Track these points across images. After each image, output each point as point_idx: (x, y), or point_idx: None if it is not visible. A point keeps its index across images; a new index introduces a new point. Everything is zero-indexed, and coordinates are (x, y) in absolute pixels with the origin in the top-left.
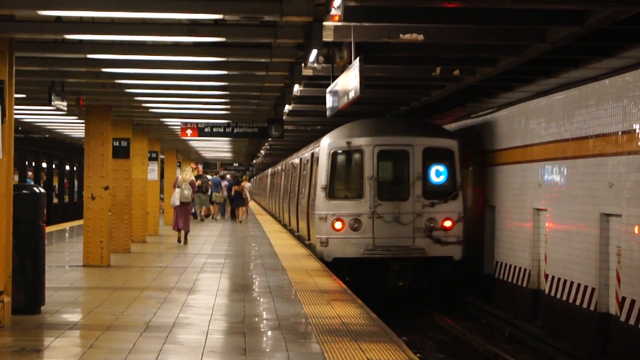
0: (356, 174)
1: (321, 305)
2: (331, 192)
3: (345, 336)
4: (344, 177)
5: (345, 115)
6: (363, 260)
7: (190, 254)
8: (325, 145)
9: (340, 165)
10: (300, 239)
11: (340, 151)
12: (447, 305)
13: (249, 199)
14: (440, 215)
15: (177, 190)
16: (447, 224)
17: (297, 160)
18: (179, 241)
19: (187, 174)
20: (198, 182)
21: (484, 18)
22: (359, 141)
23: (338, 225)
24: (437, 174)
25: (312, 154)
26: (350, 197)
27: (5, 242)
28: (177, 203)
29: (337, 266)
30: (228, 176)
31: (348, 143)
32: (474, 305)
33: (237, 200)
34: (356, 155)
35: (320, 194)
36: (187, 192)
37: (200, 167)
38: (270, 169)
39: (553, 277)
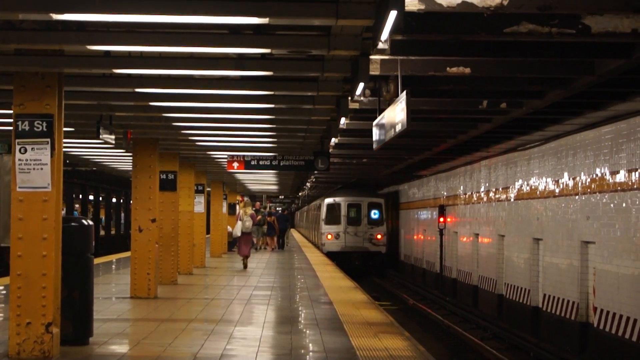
0: (337, 213)
1: (368, 337)
2: (326, 221)
3: None
4: (332, 215)
5: (392, 148)
6: (340, 252)
7: (236, 286)
8: (325, 201)
9: (331, 209)
10: (314, 244)
11: (330, 203)
12: (379, 274)
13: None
14: (375, 232)
15: (239, 222)
16: (379, 236)
17: (313, 205)
18: (244, 266)
19: (248, 208)
20: (259, 217)
21: (530, 51)
22: (338, 200)
23: (329, 236)
24: (374, 214)
25: (319, 204)
26: (334, 224)
27: (54, 274)
28: (239, 233)
29: (329, 255)
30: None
31: (334, 200)
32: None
33: (269, 230)
34: (337, 205)
35: (322, 222)
36: (248, 223)
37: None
38: (305, 208)
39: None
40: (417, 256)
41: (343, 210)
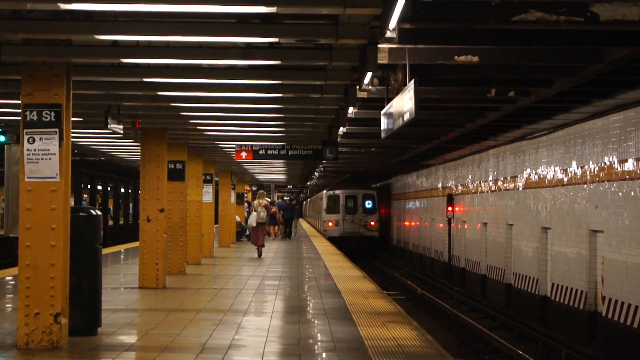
0: (336, 203)
1: (376, 327)
2: (327, 211)
3: (401, 358)
4: (332, 205)
5: (400, 137)
6: (340, 237)
7: (245, 276)
8: (325, 193)
9: (330, 200)
10: (318, 230)
11: (330, 195)
12: (373, 256)
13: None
14: (369, 219)
15: (254, 213)
16: (372, 223)
17: (316, 196)
18: (259, 255)
19: (263, 199)
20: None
21: (539, 39)
22: (337, 192)
23: (330, 223)
24: (368, 204)
25: (321, 196)
26: (334, 212)
27: (62, 265)
28: (254, 224)
29: (330, 239)
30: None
31: (333, 191)
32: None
33: (271, 220)
34: (336, 197)
35: (323, 212)
36: (263, 214)
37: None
38: (310, 199)
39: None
40: (421, 245)
41: (341, 201)
